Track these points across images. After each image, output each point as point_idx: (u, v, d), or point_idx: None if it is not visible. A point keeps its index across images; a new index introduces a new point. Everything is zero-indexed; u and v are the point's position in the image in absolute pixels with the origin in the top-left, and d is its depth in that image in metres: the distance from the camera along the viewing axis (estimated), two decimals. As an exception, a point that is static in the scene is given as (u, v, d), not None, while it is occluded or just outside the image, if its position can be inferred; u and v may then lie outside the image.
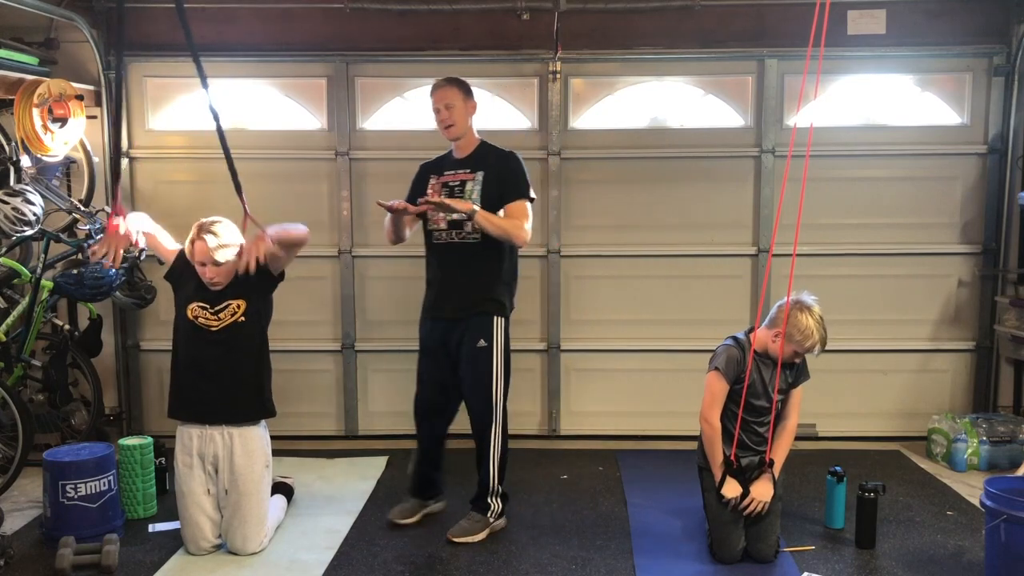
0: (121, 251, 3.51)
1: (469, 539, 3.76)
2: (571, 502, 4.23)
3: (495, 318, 3.72)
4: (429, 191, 3.76)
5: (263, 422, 3.73)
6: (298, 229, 3.61)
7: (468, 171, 3.75)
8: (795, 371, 3.63)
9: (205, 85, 3.51)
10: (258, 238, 3.47)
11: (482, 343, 3.70)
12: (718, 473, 3.54)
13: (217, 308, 3.61)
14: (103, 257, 3.47)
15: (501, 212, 3.65)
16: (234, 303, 3.62)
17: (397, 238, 3.86)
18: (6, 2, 4.11)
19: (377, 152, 5.10)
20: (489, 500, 3.84)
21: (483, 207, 3.59)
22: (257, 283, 3.63)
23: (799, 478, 4.39)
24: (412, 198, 3.80)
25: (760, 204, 5.01)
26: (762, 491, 3.50)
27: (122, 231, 3.49)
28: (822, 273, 4.91)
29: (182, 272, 3.67)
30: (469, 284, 3.71)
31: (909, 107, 5.07)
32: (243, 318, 3.62)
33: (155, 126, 5.13)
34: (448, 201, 3.55)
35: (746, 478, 3.53)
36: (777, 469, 3.56)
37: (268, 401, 3.74)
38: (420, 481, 4.00)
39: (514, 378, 5.14)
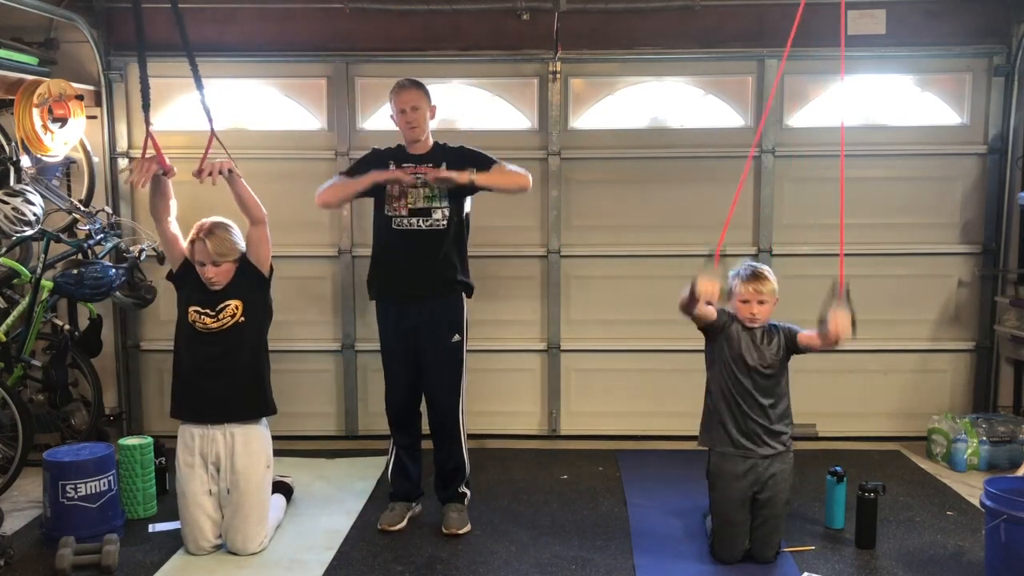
0: (154, 169, 3.48)
1: (467, 529, 3.86)
2: (571, 502, 4.23)
3: (463, 299, 3.83)
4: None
5: (264, 420, 3.74)
6: (253, 195, 3.62)
7: (431, 165, 3.72)
8: (779, 341, 3.54)
9: (200, 86, 3.54)
10: (221, 163, 3.51)
11: (456, 338, 3.80)
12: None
13: (216, 309, 3.61)
14: (134, 173, 3.48)
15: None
16: (232, 303, 3.61)
17: (341, 202, 3.91)
18: (6, 2, 4.11)
19: None
20: (464, 488, 3.98)
21: (453, 194, 3.69)
22: (250, 281, 3.64)
23: (799, 478, 4.37)
24: (363, 171, 3.76)
25: (760, 204, 5.01)
26: (842, 322, 3.31)
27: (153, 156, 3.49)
28: (822, 273, 4.85)
29: (187, 274, 3.67)
30: (438, 270, 3.74)
31: (909, 107, 5.07)
32: (243, 318, 3.62)
33: (155, 126, 5.10)
34: (451, 173, 3.57)
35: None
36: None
37: (269, 399, 3.75)
38: (404, 484, 4.01)
39: (514, 378, 5.21)
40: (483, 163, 3.75)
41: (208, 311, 3.61)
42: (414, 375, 3.87)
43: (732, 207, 3.67)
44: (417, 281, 3.73)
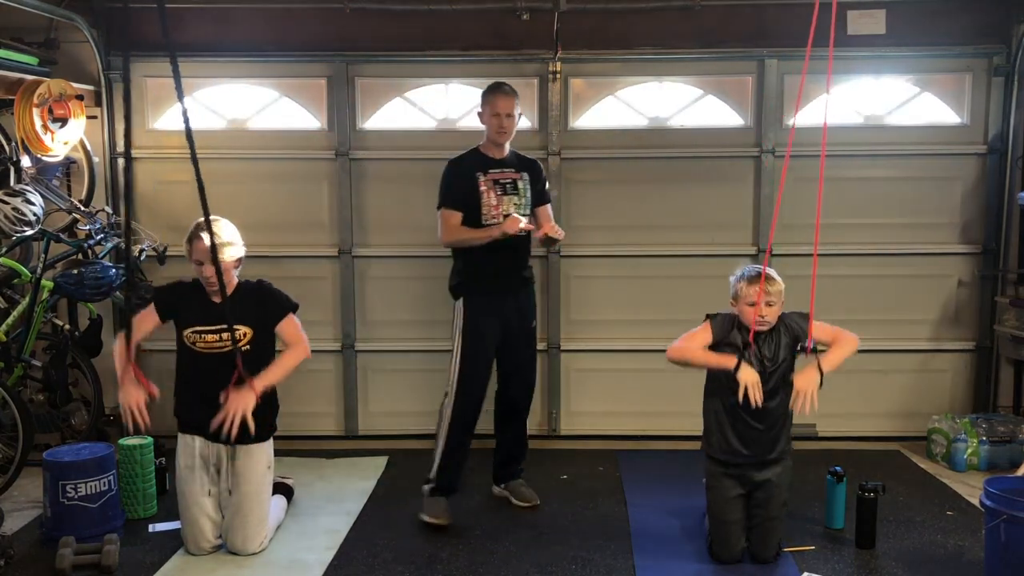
0: (143, 400, 3.41)
1: (537, 500, 4.17)
2: (571, 502, 4.23)
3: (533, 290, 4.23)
4: (482, 188, 3.93)
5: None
6: (293, 358, 3.62)
7: (514, 170, 4.03)
8: (788, 340, 3.50)
9: (180, 97, 3.43)
10: (245, 393, 3.43)
11: (534, 323, 4.19)
12: (729, 362, 3.34)
13: (221, 328, 3.56)
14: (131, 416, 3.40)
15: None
16: (240, 329, 3.58)
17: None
18: (6, 2, 4.11)
19: (377, 152, 5.10)
20: (522, 466, 4.32)
21: (530, 206, 4.09)
22: (267, 320, 3.64)
23: (799, 478, 4.37)
24: (460, 195, 3.95)
25: (760, 204, 5.01)
26: (807, 381, 3.30)
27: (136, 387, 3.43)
28: (822, 273, 4.79)
29: (174, 305, 3.64)
30: (522, 265, 4.12)
31: (909, 107, 5.07)
32: (248, 347, 3.59)
33: (155, 126, 5.12)
34: (554, 233, 3.94)
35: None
36: (826, 364, 3.33)
37: (272, 424, 3.73)
38: (457, 480, 4.06)
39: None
40: (545, 196, 4.18)
41: (209, 328, 3.57)
42: (492, 366, 4.10)
43: (776, 207, 3.67)
44: (510, 278, 4.05)
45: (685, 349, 3.47)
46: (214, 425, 3.41)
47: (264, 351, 3.66)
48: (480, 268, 3.99)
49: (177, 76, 3.05)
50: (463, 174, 3.98)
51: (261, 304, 3.65)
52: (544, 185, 4.18)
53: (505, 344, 4.06)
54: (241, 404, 3.42)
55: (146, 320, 3.64)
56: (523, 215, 3.96)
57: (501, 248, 3.91)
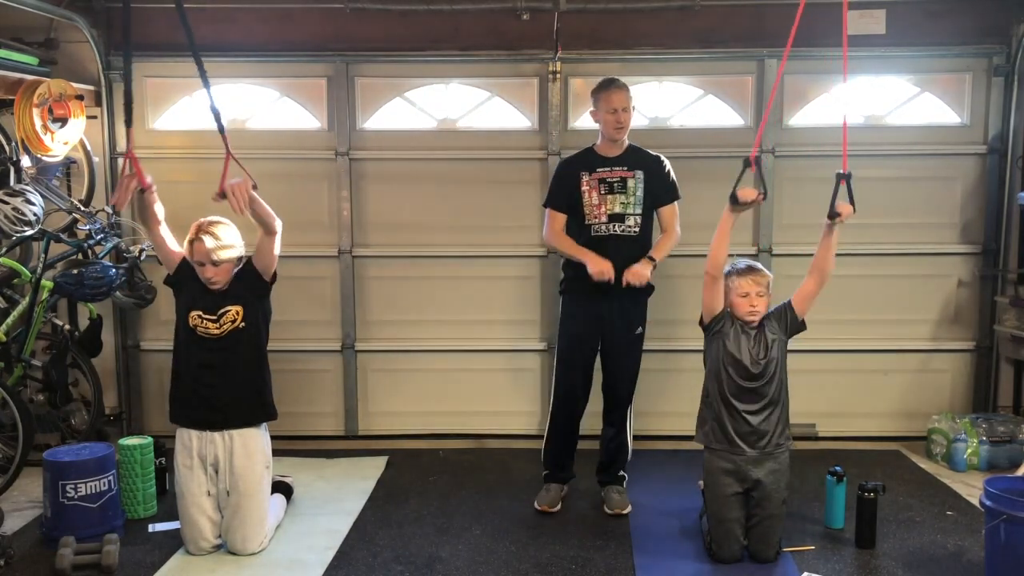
0: (132, 189, 3.47)
1: (628, 510, 4.07)
2: (571, 502, 4.22)
3: (647, 297, 4.10)
4: (584, 187, 3.96)
5: (264, 424, 3.74)
6: (270, 211, 3.62)
7: (626, 168, 3.99)
8: (777, 325, 3.54)
9: (206, 84, 3.56)
10: (242, 184, 3.47)
11: (640, 330, 4.07)
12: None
13: (217, 314, 3.60)
14: (119, 198, 3.48)
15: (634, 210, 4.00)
16: (233, 309, 3.61)
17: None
18: (6, 2, 4.11)
19: (377, 152, 5.10)
20: (624, 472, 4.24)
21: (647, 205, 4.01)
22: (252, 287, 3.65)
23: (799, 478, 4.37)
24: (563, 195, 4.02)
25: (760, 204, 5.00)
26: (847, 208, 3.44)
27: (133, 174, 3.47)
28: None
29: (184, 278, 3.66)
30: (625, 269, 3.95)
31: (909, 107, 5.07)
32: (243, 324, 3.62)
33: (155, 126, 5.13)
34: (641, 276, 3.91)
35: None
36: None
37: (269, 405, 3.75)
38: (562, 466, 4.18)
39: (512, 378, 5.21)
40: (667, 195, 4.07)
41: (210, 316, 3.60)
42: (591, 365, 4.10)
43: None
44: (609, 282, 3.91)
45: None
46: (236, 209, 3.45)
47: (256, 325, 3.67)
48: (577, 270, 3.99)
49: (205, 79, 3.18)
50: (569, 173, 4.02)
51: (245, 278, 3.67)
52: (666, 183, 4.05)
53: (604, 349, 4.07)
54: (242, 189, 3.46)
55: (170, 247, 3.65)
56: (632, 214, 3.94)
57: (601, 252, 3.92)
